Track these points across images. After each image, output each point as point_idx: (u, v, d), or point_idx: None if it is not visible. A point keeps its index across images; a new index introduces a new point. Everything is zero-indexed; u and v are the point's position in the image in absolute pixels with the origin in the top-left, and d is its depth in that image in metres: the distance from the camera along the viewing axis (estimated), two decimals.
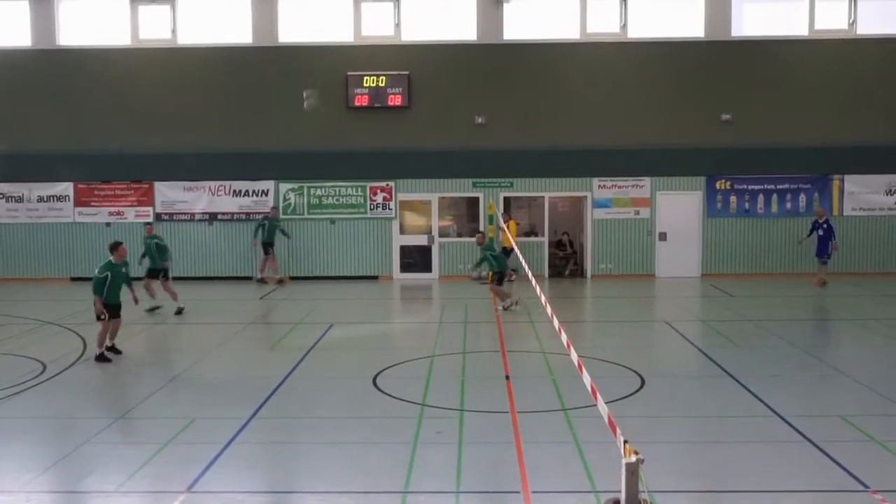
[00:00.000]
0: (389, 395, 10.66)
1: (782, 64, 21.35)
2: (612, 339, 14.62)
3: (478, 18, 21.59)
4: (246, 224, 21.98)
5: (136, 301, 16.83)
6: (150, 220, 21.90)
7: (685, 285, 20.76)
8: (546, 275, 22.02)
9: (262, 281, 21.43)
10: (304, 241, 21.87)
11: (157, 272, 16.76)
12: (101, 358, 12.76)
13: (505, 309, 17.13)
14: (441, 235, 22.12)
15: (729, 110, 21.25)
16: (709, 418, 9.89)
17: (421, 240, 22.20)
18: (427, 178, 21.89)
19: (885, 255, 21.65)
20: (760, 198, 21.75)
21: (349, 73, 21.78)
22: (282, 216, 21.82)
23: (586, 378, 7.11)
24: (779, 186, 21.74)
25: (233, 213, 22.09)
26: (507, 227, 20.17)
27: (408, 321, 17.45)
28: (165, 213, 22.08)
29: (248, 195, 22.05)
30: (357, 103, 21.70)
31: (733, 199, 21.78)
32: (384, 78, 21.48)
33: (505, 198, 21.98)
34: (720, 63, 21.43)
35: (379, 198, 21.98)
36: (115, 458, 8.48)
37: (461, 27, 21.51)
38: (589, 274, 22.01)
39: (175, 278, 21.69)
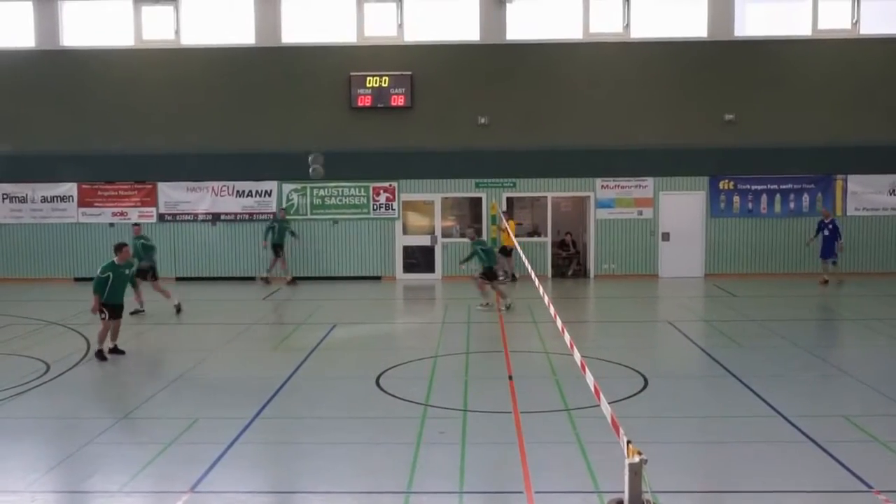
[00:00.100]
0: (392, 396, 10.67)
1: (785, 64, 21.37)
2: (616, 339, 14.61)
3: (481, 18, 21.63)
4: (249, 224, 22.01)
5: (140, 304, 16.93)
6: (153, 220, 21.97)
7: (688, 285, 20.75)
8: (549, 275, 22.01)
9: (266, 280, 21.45)
10: (307, 241, 21.88)
11: (144, 273, 16.70)
12: (99, 355, 12.81)
13: (485, 306, 17.09)
14: (444, 236, 22.13)
15: (732, 110, 21.31)
16: (712, 418, 9.88)
17: (424, 240, 22.21)
18: (430, 178, 21.92)
19: (888, 255, 21.62)
20: (764, 198, 21.74)
21: (352, 74, 21.84)
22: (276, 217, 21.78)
23: (589, 378, 7.11)
24: (782, 186, 21.72)
25: (236, 214, 22.11)
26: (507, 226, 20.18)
27: (411, 321, 17.46)
28: (169, 214, 22.11)
29: (252, 196, 22.08)
30: (360, 104, 21.76)
31: (736, 199, 21.76)
32: (387, 78, 21.53)
33: (508, 198, 21.98)
34: (723, 63, 21.47)
35: (382, 198, 21.99)
36: (118, 458, 8.50)
37: (464, 27, 21.55)
38: (592, 274, 22.01)
39: (178, 278, 21.86)
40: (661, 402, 10.44)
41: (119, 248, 13.36)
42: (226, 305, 18.76)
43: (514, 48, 21.37)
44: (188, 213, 22.13)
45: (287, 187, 21.97)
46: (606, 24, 21.30)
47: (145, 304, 16.92)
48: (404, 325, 16.99)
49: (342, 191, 22.00)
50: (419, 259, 22.24)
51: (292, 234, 21.37)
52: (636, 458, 5.56)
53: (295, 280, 21.40)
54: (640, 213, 21.81)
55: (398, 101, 21.27)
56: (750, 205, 21.77)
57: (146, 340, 14.77)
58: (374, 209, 22.01)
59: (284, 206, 21.88)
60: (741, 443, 8.79)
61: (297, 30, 21.51)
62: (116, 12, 21.52)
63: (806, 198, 21.72)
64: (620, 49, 21.38)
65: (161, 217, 22.09)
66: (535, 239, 22.27)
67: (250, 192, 22.08)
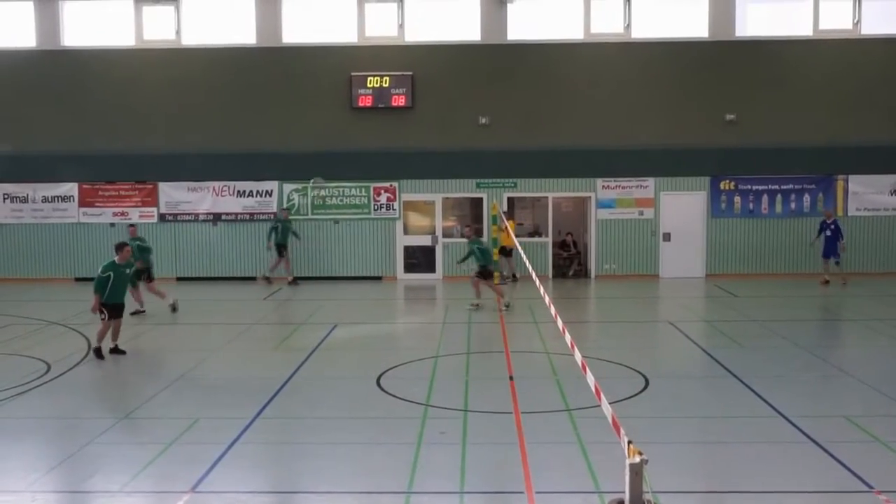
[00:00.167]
0: (393, 396, 10.67)
1: (786, 64, 21.36)
2: (616, 339, 14.61)
3: (481, 19, 21.63)
4: (250, 225, 22.01)
5: (140, 304, 16.93)
6: (154, 220, 21.98)
7: (689, 286, 20.74)
8: (550, 275, 22.01)
9: (267, 280, 21.47)
10: (307, 241, 21.88)
11: (139, 274, 16.70)
12: (97, 353, 12.83)
13: (474, 307, 17.07)
14: (445, 236, 22.13)
15: (733, 110, 21.30)
16: (713, 419, 9.88)
17: (425, 240, 22.20)
18: (431, 178, 21.92)
19: (889, 255, 21.61)
20: (765, 198, 21.73)
21: (353, 74, 21.83)
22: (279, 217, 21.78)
23: (590, 378, 7.11)
24: (783, 186, 21.71)
25: (237, 214, 22.11)
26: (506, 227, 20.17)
27: (411, 321, 17.45)
28: (169, 214, 22.11)
29: (252, 196, 22.07)
30: (361, 104, 21.76)
31: (737, 199, 21.75)
32: (388, 78, 21.52)
33: (509, 198, 21.97)
34: (724, 63, 21.47)
35: (383, 198, 21.98)
36: (119, 458, 8.50)
37: (465, 27, 21.55)
38: (593, 274, 22.00)
39: (179, 279, 21.86)
40: (661, 402, 10.44)
41: (120, 247, 13.38)
42: (226, 305, 18.76)
43: (515, 48, 21.37)
44: (189, 213, 22.13)
45: (288, 187, 21.97)
46: (607, 25, 21.29)
47: (145, 304, 16.94)
48: (405, 326, 16.99)
49: (343, 191, 22.00)
50: (420, 259, 22.24)
51: (294, 234, 21.37)
52: (637, 459, 5.56)
53: (296, 280, 21.40)
54: (641, 213, 21.80)
55: (399, 101, 21.26)
56: (751, 205, 21.76)
57: (147, 340, 14.77)
58: (374, 209, 22.00)
59: (286, 206, 21.88)
60: (742, 443, 8.78)
61: (298, 30, 21.51)
62: (117, 12, 21.52)
63: (807, 198, 21.71)
64: (621, 49, 21.37)
65: (162, 217, 22.09)
66: (536, 239, 22.27)
67: (251, 192, 22.08)
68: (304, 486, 7.96)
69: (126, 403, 10.85)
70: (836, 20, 21.09)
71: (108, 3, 21.66)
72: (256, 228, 21.87)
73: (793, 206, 21.70)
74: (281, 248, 21.13)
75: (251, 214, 22.07)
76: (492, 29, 21.34)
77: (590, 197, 22.03)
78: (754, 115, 21.00)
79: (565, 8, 21.34)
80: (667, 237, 21.80)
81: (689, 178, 21.75)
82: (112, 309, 12.98)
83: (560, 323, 8.99)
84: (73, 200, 22.16)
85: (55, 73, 21.51)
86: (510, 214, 21.57)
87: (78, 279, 21.54)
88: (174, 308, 16.97)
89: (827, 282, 20.35)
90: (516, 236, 19.90)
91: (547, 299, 10.02)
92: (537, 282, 11.42)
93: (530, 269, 13.19)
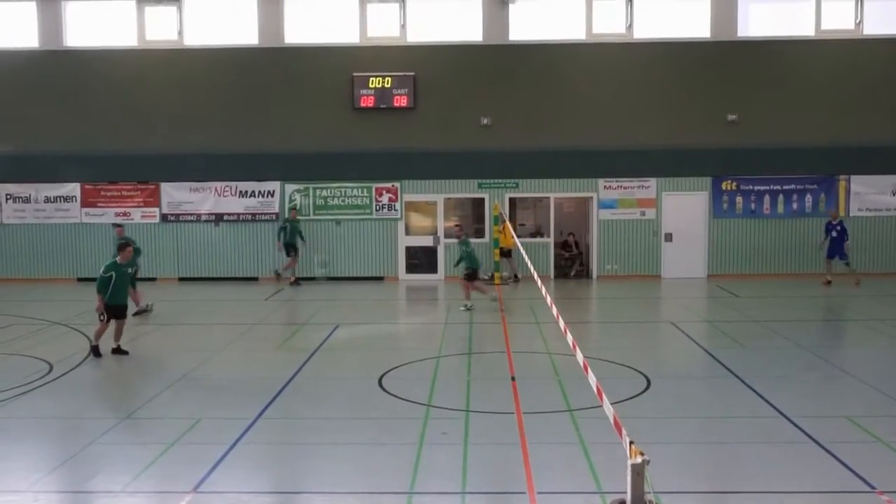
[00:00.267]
0: (395, 396, 10.67)
1: (788, 64, 21.32)
2: (618, 339, 14.61)
3: (483, 19, 21.62)
4: (252, 225, 22.03)
5: (137, 304, 16.91)
6: (156, 220, 21.99)
7: (691, 286, 20.73)
8: (552, 276, 22.01)
9: (278, 276, 21.60)
10: (309, 241, 21.90)
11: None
12: (95, 351, 12.86)
13: (467, 309, 17.07)
14: (447, 236, 22.13)
15: (735, 110, 21.24)
16: (714, 419, 9.88)
17: (426, 241, 22.21)
18: (432, 179, 21.91)
19: (890, 255, 21.60)
20: (766, 198, 21.72)
21: (355, 74, 21.81)
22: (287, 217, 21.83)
23: (592, 379, 7.12)
24: (785, 187, 21.70)
25: (239, 214, 22.13)
26: (504, 227, 20.19)
27: (413, 322, 17.46)
28: (172, 214, 22.13)
29: (254, 196, 22.09)
30: (363, 104, 21.72)
31: (739, 199, 21.75)
32: (390, 79, 21.50)
33: (510, 199, 21.97)
34: (726, 63, 21.41)
35: (384, 199, 21.99)
36: (121, 458, 8.51)
37: (467, 28, 21.52)
38: (594, 275, 22.00)
39: (181, 279, 21.87)
40: (663, 402, 10.43)
41: (122, 247, 13.40)
42: (228, 306, 18.77)
43: (517, 49, 21.35)
44: (191, 214, 22.15)
45: (290, 188, 21.98)
46: (609, 25, 21.27)
47: (154, 304, 16.93)
48: (407, 326, 17.00)
49: (345, 191, 22.01)
50: (422, 260, 22.24)
51: (300, 236, 21.42)
52: (639, 459, 5.57)
53: (298, 280, 21.42)
54: (643, 213, 21.79)
55: (401, 101, 21.24)
56: (753, 205, 21.75)
57: (149, 341, 14.78)
58: (376, 210, 22.01)
59: (287, 206, 21.89)
60: (744, 443, 8.78)
61: (300, 30, 21.51)
62: (120, 13, 21.53)
63: (809, 198, 21.70)
64: (623, 49, 21.36)
65: (164, 217, 22.11)
66: (538, 240, 22.26)
67: (253, 192, 22.09)
68: (306, 486, 7.96)
69: (128, 403, 10.85)
70: (839, 20, 21.07)
71: (110, 4, 21.67)
72: (258, 229, 21.89)
73: (794, 206, 21.68)
74: (289, 248, 21.21)
75: (253, 215, 22.09)
76: (494, 29, 21.34)
77: (591, 197, 22.02)
78: (756, 115, 20.95)
79: (567, 8, 21.34)
80: (668, 237, 21.79)
81: (690, 179, 21.75)
82: (113, 310, 12.98)
83: (562, 323, 8.99)
84: (76, 201, 22.19)
85: (57, 74, 21.49)
86: (511, 215, 21.57)
87: (80, 279, 21.56)
88: (146, 310, 16.83)
89: (829, 282, 20.34)
90: (518, 237, 19.89)
91: (549, 299, 10.04)
92: (539, 282, 11.43)
93: (532, 269, 13.19)
